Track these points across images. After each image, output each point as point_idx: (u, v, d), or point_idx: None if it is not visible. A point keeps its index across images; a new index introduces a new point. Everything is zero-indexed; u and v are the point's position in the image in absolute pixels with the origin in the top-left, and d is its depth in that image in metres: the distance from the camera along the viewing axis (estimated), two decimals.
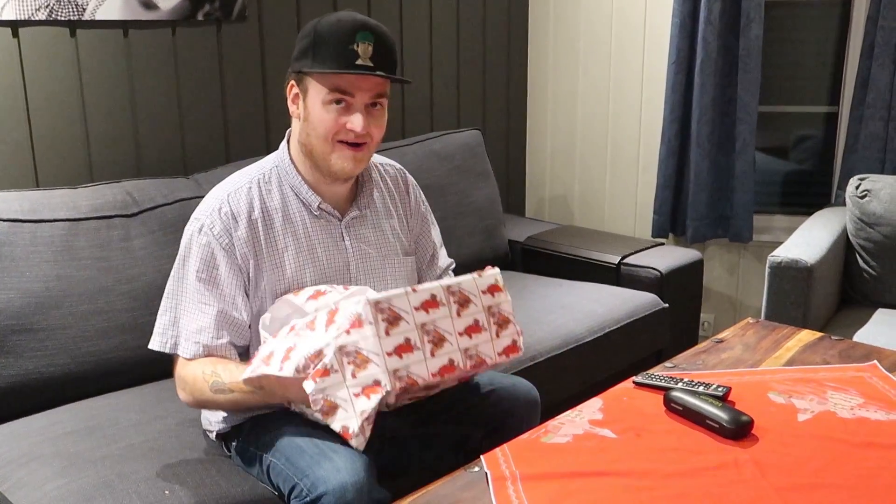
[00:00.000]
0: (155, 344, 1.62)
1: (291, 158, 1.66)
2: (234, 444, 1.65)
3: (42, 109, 2.19)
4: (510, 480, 1.29)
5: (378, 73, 1.55)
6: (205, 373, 1.54)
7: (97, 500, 1.49)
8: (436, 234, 1.91)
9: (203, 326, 1.57)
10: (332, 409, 1.37)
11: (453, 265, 1.95)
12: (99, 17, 2.22)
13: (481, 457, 1.37)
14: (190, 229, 1.61)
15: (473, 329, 1.47)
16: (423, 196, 1.88)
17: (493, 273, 1.54)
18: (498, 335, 1.50)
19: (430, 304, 1.43)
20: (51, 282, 1.91)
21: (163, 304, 1.63)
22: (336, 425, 1.37)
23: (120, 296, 1.99)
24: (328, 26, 1.55)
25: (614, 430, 1.45)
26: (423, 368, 1.39)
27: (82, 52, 2.23)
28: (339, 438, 1.48)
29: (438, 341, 1.42)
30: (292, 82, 1.62)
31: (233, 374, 1.51)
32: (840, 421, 1.47)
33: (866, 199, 2.66)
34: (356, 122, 1.56)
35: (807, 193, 3.34)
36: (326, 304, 1.53)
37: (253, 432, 1.60)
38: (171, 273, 1.63)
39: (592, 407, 1.54)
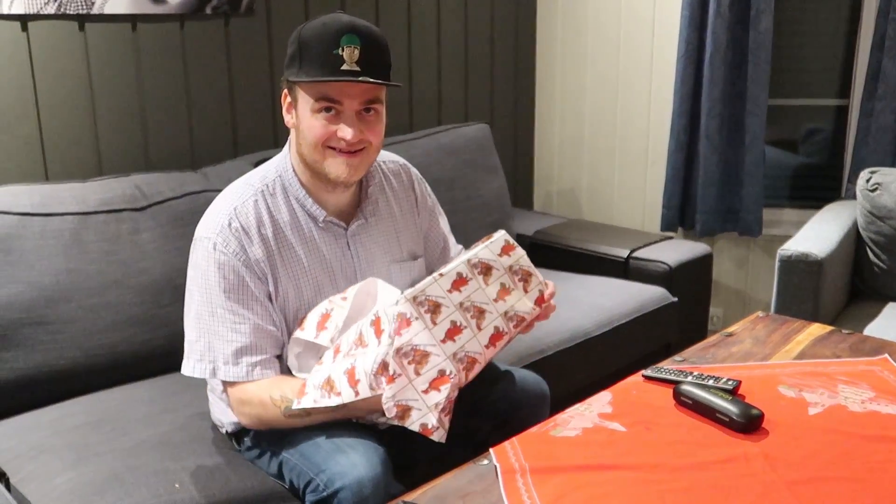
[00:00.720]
0: (192, 370, 1.55)
1: (293, 168, 1.62)
2: (245, 439, 1.65)
3: (51, 103, 2.19)
4: (519, 473, 1.29)
5: (363, 78, 1.47)
6: (273, 398, 1.48)
7: (107, 492, 1.50)
8: (444, 223, 1.88)
9: (242, 347, 1.51)
10: (405, 412, 1.37)
11: (462, 251, 1.94)
12: (108, 10, 2.22)
13: (490, 450, 1.37)
14: (202, 247, 1.54)
15: (504, 293, 1.52)
16: (428, 189, 1.85)
17: (500, 235, 1.58)
18: (526, 290, 1.56)
19: (460, 282, 1.46)
20: (60, 275, 1.91)
21: (192, 328, 1.55)
22: (415, 426, 1.37)
23: (129, 289, 2.00)
24: (312, 31, 1.49)
25: (624, 423, 1.44)
26: (476, 344, 1.44)
27: (91, 46, 2.23)
28: (353, 433, 1.48)
29: (479, 315, 1.47)
30: (285, 91, 1.57)
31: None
32: (851, 415, 1.46)
33: (877, 192, 2.64)
34: (345, 131, 1.50)
35: (817, 187, 3.33)
36: (336, 325, 1.52)
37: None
38: (192, 293, 1.56)
39: (602, 400, 1.54)
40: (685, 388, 1.50)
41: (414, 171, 1.83)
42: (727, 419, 1.41)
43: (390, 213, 1.73)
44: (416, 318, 1.37)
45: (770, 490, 1.24)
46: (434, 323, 1.39)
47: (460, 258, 1.51)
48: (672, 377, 1.58)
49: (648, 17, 3.26)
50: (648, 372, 1.63)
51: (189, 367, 1.55)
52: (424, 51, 3.09)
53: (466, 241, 2.74)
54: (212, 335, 1.52)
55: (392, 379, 1.35)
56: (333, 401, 1.40)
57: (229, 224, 1.53)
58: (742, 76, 3.05)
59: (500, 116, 3.48)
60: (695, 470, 1.29)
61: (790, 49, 3.21)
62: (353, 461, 1.40)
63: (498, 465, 1.32)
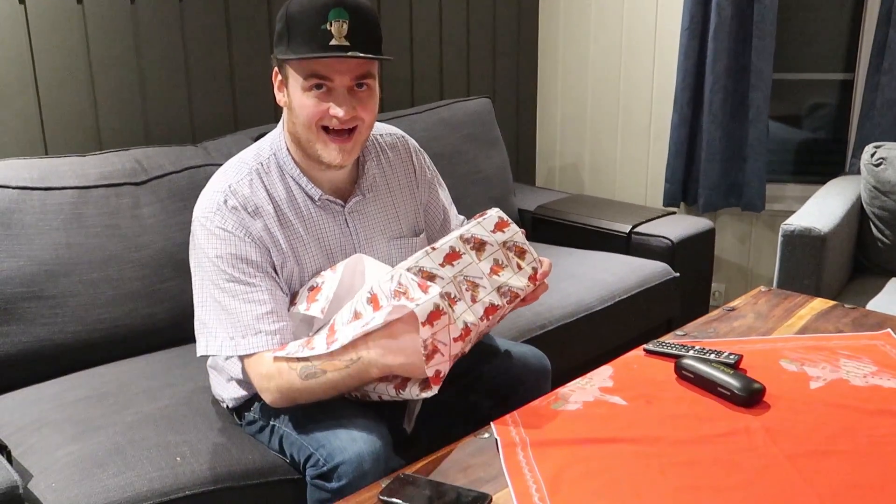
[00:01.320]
0: (206, 349, 1.51)
1: (287, 146, 1.59)
2: (246, 414, 1.65)
3: (49, 77, 2.17)
4: (520, 447, 1.29)
5: (353, 54, 1.44)
6: (289, 362, 1.43)
7: (109, 466, 1.50)
8: (444, 195, 1.85)
9: (260, 315, 1.47)
10: (433, 352, 1.33)
11: (465, 221, 1.92)
12: None
13: (491, 423, 1.37)
14: (201, 228, 1.51)
15: (497, 268, 1.52)
16: (428, 160, 1.81)
17: (494, 212, 1.58)
18: (519, 267, 1.56)
19: (453, 256, 1.46)
20: (60, 249, 1.91)
21: (202, 307, 1.51)
22: (430, 371, 1.33)
23: (129, 263, 1.99)
24: (299, 7, 1.45)
25: (625, 397, 1.44)
26: (471, 315, 1.43)
27: (89, 20, 2.21)
28: (353, 408, 1.48)
29: (473, 288, 1.46)
30: (276, 69, 1.54)
31: (321, 356, 1.41)
32: (852, 388, 1.46)
33: (881, 167, 2.62)
34: (337, 109, 1.47)
35: (820, 162, 3.31)
36: (327, 296, 1.50)
37: (266, 403, 1.59)
38: (197, 274, 1.53)
39: (603, 374, 1.54)
40: (687, 362, 1.49)
41: (412, 142, 1.80)
42: (728, 393, 1.41)
43: (388, 189, 1.71)
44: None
45: (771, 463, 1.24)
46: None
47: (452, 234, 1.51)
48: (673, 351, 1.58)
49: None
50: (650, 346, 1.62)
51: (203, 346, 1.52)
52: (426, 25, 3.06)
53: (468, 216, 2.73)
54: (225, 312, 1.48)
55: (438, 315, 1.32)
56: (356, 329, 1.37)
57: (225, 202, 1.51)
58: (746, 50, 3.02)
59: (502, 91, 3.45)
60: (696, 443, 1.29)
61: (795, 23, 3.18)
62: (353, 436, 1.40)
63: (499, 439, 1.32)
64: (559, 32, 3.50)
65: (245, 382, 1.61)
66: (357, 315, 1.42)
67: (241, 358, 1.52)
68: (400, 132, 1.79)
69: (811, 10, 3.19)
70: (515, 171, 3.33)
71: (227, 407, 1.69)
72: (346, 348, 1.40)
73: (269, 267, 1.53)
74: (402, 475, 1.24)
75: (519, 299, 1.54)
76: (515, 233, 1.57)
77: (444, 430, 1.61)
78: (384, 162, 1.72)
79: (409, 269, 1.39)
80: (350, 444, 1.40)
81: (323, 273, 1.57)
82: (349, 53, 1.44)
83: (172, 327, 2.01)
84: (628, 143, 3.43)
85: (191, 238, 1.55)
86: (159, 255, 2.03)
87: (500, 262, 1.53)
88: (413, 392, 1.38)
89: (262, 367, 1.47)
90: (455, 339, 1.35)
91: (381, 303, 1.38)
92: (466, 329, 1.39)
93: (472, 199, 2.81)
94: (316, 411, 1.49)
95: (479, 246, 1.51)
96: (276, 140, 1.61)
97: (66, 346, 1.91)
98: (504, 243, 1.55)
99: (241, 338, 1.47)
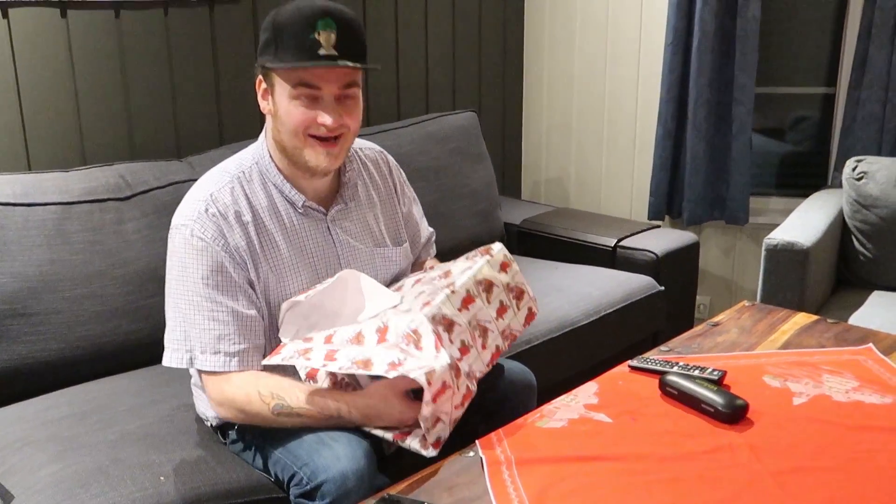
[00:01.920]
0: (171, 361, 1.53)
1: (270, 154, 1.60)
2: (230, 432, 1.64)
3: (33, 91, 2.17)
4: (505, 465, 1.29)
5: (343, 63, 1.46)
6: (262, 394, 1.46)
7: (92, 485, 1.49)
8: (417, 210, 1.89)
9: (221, 335, 1.49)
10: (436, 422, 1.37)
11: (434, 235, 1.97)
12: None
13: (476, 441, 1.37)
14: (179, 235, 1.52)
15: (502, 310, 1.53)
16: (404, 176, 1.85)
17: (499, 250, 1.59)
18: (518, 307, 1.58)
19: (468, 300, 1.47)
20: (44, 266, 1.89)
21: (170, 317, 1.53)
22: (431, 436, 1.36)
23: (113, 280, 1.98)
24: (287, 16, 1.48)
25: (609, 414, 1.45)
26: (481, 363, 1.46)
27: (73, 34, 2.21)
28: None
29: (483, 333, 1.48)
30: (260, 77, 1.55)
31: (300, 399, 1.44)
32: (835, 404, 1.47)
33: (863, 180, 2.65)
34: (325, 117, 1.49)
35: (803, 175, 3.34)
36: (316, 288, 1.52)
37: None
38: (170, 283, 1.53)
39: (588, 391, 1.54)
40: (671, 378, 1.50)
41: (391, 158, 1.83)
42: (712, 410, 1.42)
43: (369, 199, 1.73)
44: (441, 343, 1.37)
45: (755, 480, 1.24)
46: (451, 342, 1.40)
47: (467, 273, 1.50)
48: (658, 367, 1.58)
49: (636, 5, 3.25)
50: (634, 362, 1.63)
51: (167, 357, 1.54)
52: (412, 38, 3.08)
53: (454, 229, 2.74)
54: (188, 324, 1.50)
55: (443, 391, 1.34)
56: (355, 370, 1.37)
57: (206, 210, 1.52)
58: (729, 64, 3.04)
59: (487, 104, 3.46)
60: (680, 460, 1.30)
61: (777, 37, 3.21)
62: (337, 454, 1.40)
63: (483, 457, 1.32)
64: (544, 46, 3.52)
65: None
66: (359, 338, 1.40)
67: (200, 372, 1.54)
68: (379, 148, 1.83)
69: (793, 25, 3.22)
70: (501, 184, 3.35)
71: (211, 425, 1.68)
72: (326, 398, 1.44)
73: (245, 282, 1.53)
74: (387, 495, 1.23)
75: (514, 340, 1.59)
76: (516, 272, 1.59)
77: None
78: (365, 175, 1.74)
79: (433, 317, 1.38)
80: (334, 462, 1.40)
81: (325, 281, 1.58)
82: (339, 62, 1.46)
83: (156, 344, 1.97)
84: (613, 157, 3.45)
85: (169, 243, 1.55)
86: (143, 271, 2.02)
87: (505, 304, 1.54)
88: (413, 446, 1.38)
89: (227, 385, 1.49)
90: (456, 407, 1.38)
91: (389, 338, 1.37)
92: (468, 392, 1.40)
93: (458, 213, 2.82)
94: (300, 429, 1.48)
95: (489, 288, 1.52)
96: (258, 149, 1.62)
97: (49, 363, 1.90)
98: (507, 285, 1.56)
99: (199, 353, 1.50)
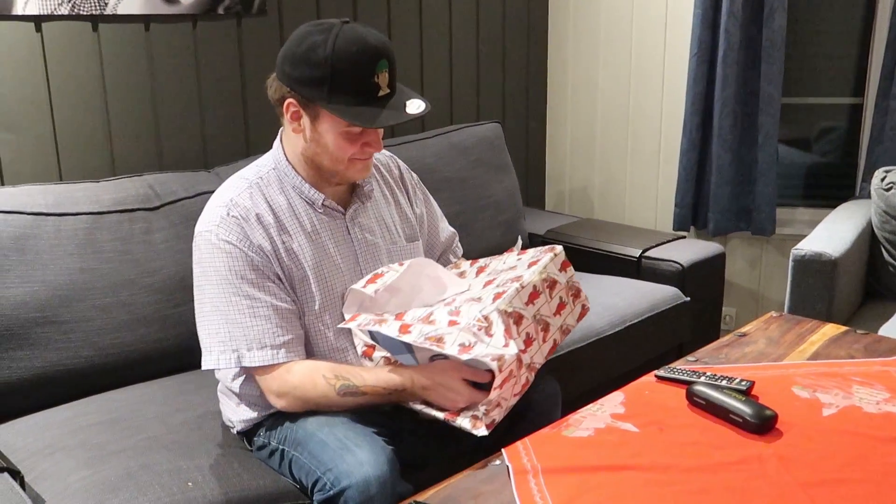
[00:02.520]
0: (218, 363, 1.54)
1: (288, 160, 1.63)
2: (255, 438, 1.65)
3: (65, 104, 2.20)
4: (531, 474, 1.29)
5: (409, 112, 1.52)
6: (326, 377, 1.52)
7: (121, 491, 1.50)
8: (435, 211, 1.94)
9: (265, 329, 1.53)
10: (496, 406, 1.46)
11: (456, 236, 2.01)
12: (121, 11, 2.23)
13: (502, 450, 1.37)
14: (205, 241, 1.55)
15: (561, 307, 1.60)
16: (416, 178, 1.90)
17: (561, 251, 1.65)
18: (574, 304, 1.64)
19: (534, 295, 1.53)
20: (74, 274, 1.92)
21: (208, 321, 1.55)
22: (487, 420, 1.45)
23: (142, 289, 2.00)
24: (346, 58, 1.47)
25: (636, 423, 1.44)
26: (540, 356, 1.54)
27: (104, 47, 2.24)
28: (362, 432, 1.49)
29: (545, 328, 1.55)
30: (292, 101, 1.54)
31: (364, 378, 1.52)
32: (865, 416, 1.45)
33: (892, 191, 2.62)
34: (375, 146, 1.57)
35: (830, 186, 3.31)
36: (385, 282, 1.60)
37: (274, 427, 1.60)
38: (202, 289, 1.56)
39: (614, 401, 1.54)
40: (698, 388, 1.49)
41: (402, 164, 1.89)
42: (740, 420, 1.41)
43: (384, 199, 1.78)
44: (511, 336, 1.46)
45: (784, 492, 1.23)
46: (518, 334, 1.47)
47: (534, 269, 1.57)
48: (685, 377, 1.57)
49: (661, 16, 3.25)
50: (661, 372, 1.62)
51: (212, 361, 1.55)
52: (436, 50, 3.09)
53: (478, 239, 2.74)
54: (231, 324, 1.53)
55: (508, 378, 1.44)
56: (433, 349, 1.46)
57: (228, 213, 1.56)
58: (755, 75, 3.03)
59: (511, 115, 3.47)
60: (708, 471, 1.29)
61: (804, 47, 3.19)
62: (360, 459, 1.41)
63: (510, 465, 1.31)
64: (568, 57, 3.53)
65: (255, 404, 1.63)
66: (430, 319, 1.50)
67: (252, 370, 1.56)
68: (390, 153, 1.88)
69: (820, 35, 3.20)
70: (525, 195, 3.34)
71: (237, 432, 1.69)
72: (391, 373, 1.51)
73: (274, 277, 1.57)
74: (415, 502, 1.23)
75: (567, 335, 1.66)
76: (573, 274, 1.65)
77: (453, 455, 1.61)
78: (379, 178, 1.79)
79: (505, 311, 1.45)
80: (357, 468, 1.40)
81: (391, 266, 1.66)
82: (406, 113, 1.52)
83: (184, 352, 2.02)
84: (638, 168, 3.44)
85: (194, 252, 1.59)
86: (171, 280, 2.04)
87: (563, 301, 1.61)
88: (464, 425, 1.45)
89: (289, 376, 1.54)
90: (515, 395, 1.49)
91: (460, 321, 1.45)
92: (526, 382, 1.50)
93: (482, 224, 2.82)
94: (324, 435, 1.49)
95: (552, 285, 1.58)
96: (276, 155, 1.66)
97: (79, 370, 1.92)
98: (567, 283, 1.63)
99: (245, 350, 1.53)
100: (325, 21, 1.54)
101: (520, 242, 1.75)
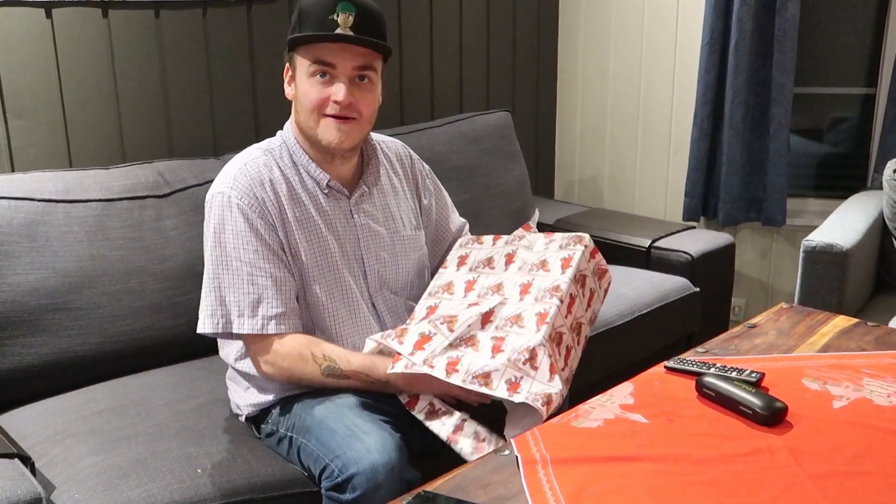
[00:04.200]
0: (206, 327, 1.58)
1: (295, 138, 1.68)
2: (263, 426, 1.66)
3: (75, 90, 2.20)
4: (541, 464, 1.29)
5: (351, 34, 1.53)
6: (314, 355, 1.55)
7: (131, 476, 1.51)
8: (445, 202, 1.94)
9: (260, 298, 1.55)
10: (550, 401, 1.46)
11: (467, 226, 2.00)
12: None
13: (511, 440, 1.37)
14: (217, 203, 1.59)
15: (591, 298, 1.61)
16: (427, 167, 1.91)
17: (589, 239, 1.66)
18: (600, 286, 1.66)
19: (571, 303, 1.54)
20: (84, 261, 1.93)
21: (205, 286, 1.60)
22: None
23: (152, 276, 2.01)
24: (311, 1, 1.57)
25: (645, 414, 1.44)
26: (576, 359, 1.57)
27: (114, 33, 2.24)
28: (370, 419, 1.49)
29: (579, 328, 1.56)
30: (287, 65, 1.64)
31: (350, 363, 1.55)
32: (876, 408, 1.44)
33: None
34: (338, 92, 1.56)
35: (842, 177, 3.29)
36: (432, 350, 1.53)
37: (282, 414, 1.61)
38: (207, 253, 1.60)
39: (623, 391, 1.53)
40: (708, 379, 1.48)
41: (414, 153, 1.89)
42: (750, 412, 1.40)
43: (392, 187, 1.78)
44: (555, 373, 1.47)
45: (794, 484, 1.22)
46: (559, 353, 1.48)
47: (568, 271, 1.56)
48: (694, 369, 1.57)
49: (672, 4, 3.23)
50: (670, 363, 1.61)
51: (201, 324, 1.59)
52: (446, 38, 3.08)
53: (487, 228, 2.73)
54: (225, 289, 1.56)
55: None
56: (423, 369, 1.46)
57: (241, 174, 1.60)
58: (767, 64, 3.01)
59: (521, 104, 3.46)
60: (718, 463, 1.28)
61: (816, 36, 3.17)
62: (368, 446, 1.41)
63: (519, 456, 1.31)
64: (579, 46, 3.51)
65: (263, 388, 1.64)
66: (475, 342, 1.49)
67: (243, 337, 1.59)
68: (402, 143, 1.89)
69: (833, 24, 3.17)
70: (535, 184, 3.34)
71: (246, 418, 1.70)
72: (376, 364, 1.53)
73: (276, 247, 1.59)
74: (424, 492, 1.23)
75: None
76: (601, 259, 1.66)
77: None
78: (388, 166, 1.80)
79: (549, 338, 1.46)
80: (365, 454, 1.41)
81: (439, 326, 1.55)
82: (349, 34, 1.53)
83: (193, 339, 2.01)
84: (648, 157, 3.42)
85: (205, 215, 1.61)
86: (181, 267, 2.04)
87: (593, 290, 1.62)
88: (464, 450, 1.47)
89: (278, 345, 1.56)
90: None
91: (504, 349, 1.45)
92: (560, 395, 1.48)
93: (491, 213, 2.82)
94: (332, 422, 1.50)
95: (583, 281, 1.59)
96: (286, 133, 1.70)
97: (89, 357, 1.93)
98: (594, 270, 1.63)
99: (236, 316, 1.55)
100: None
101: (537, 214, 1.74)
